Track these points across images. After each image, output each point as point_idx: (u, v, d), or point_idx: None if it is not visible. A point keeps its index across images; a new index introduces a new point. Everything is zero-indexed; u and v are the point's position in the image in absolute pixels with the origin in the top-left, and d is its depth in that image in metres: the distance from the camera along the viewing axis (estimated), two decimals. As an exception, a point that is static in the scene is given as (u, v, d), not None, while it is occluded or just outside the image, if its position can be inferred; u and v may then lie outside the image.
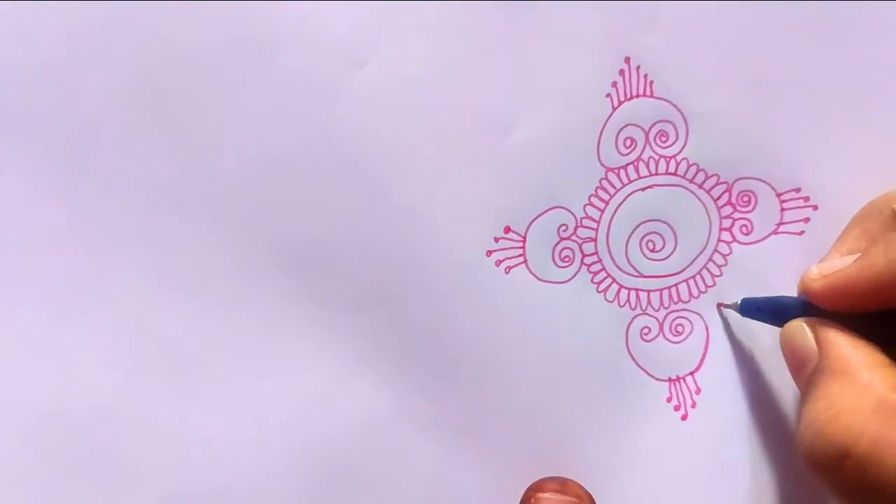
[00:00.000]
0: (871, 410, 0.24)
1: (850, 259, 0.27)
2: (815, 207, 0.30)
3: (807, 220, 0.31)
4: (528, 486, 0.30)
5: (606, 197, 0.30)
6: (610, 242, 0.30)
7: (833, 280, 0.27)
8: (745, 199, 0.31)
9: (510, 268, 0.30)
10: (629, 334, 0.31)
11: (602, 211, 0.30)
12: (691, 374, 0.31)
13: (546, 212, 0.30)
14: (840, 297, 0.27)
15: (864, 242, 0.28)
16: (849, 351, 0.26)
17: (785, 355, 0.28)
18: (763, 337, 0.31)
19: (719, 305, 0.31)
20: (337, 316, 0.30)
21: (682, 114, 0.30)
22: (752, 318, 0.30)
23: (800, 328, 0.27)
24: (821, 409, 0.25)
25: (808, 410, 0.25)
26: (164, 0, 0.27)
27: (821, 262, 0.29)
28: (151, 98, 0.28)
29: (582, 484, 0.30)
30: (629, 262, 0.31)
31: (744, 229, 0.31)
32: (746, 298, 0.30)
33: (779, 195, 0.30)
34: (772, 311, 0.29)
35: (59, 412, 0.29)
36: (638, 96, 0.30)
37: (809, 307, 0.28)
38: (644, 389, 0.31)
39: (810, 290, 0.27)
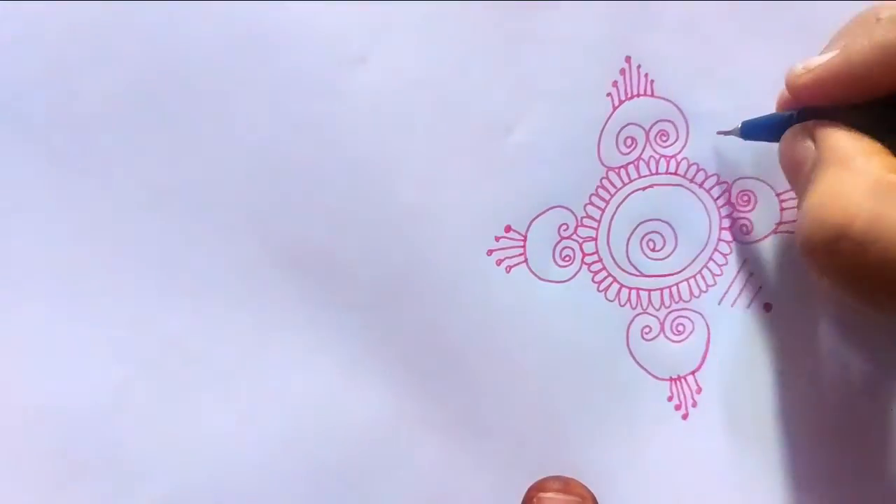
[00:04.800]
0: (867, 190, 0.23)
1: (833, 52, 0.26)
2: (815, 206, 0.31)
3: (807, 219, 0.31)
4: (530, 485, 0.30)
5: (607, 196, 0.30)
6: (610, 242, 0.30)
7: (818, 73, 0.26)
8: (745, 198, 0.31)
9: (511, 267, 0.30)
10: (630, 333, 0.31)
11: (602, 210, 0.30)
12: (692, 373, 0.31)
13: (546, 211, 0.30)
14: (828, 88, 0.26)
15: None
16: (845, 142, 0.25)
17: (783, 164, 0.27)
18: (764, 335, 0.31)
19: (719, 133, 0.30)
20: (337, 315, 0.29)
21: (682, 113, 0.30)
22: (754, 138, 0.29)
23: (796, 132, 0.27)
24: (816, 196, 0.24)
25: (805, 201, 0.25)
26: (164, 0, 0.27)
27: (804, 60, 0.27)
28: (151, 98, 0.28)
29: (584, 483, 0.30)
30: (630, 261, 0.31)
31: (744, 229, 0.31)
32: (746, 121, 0.29)
33: (778, 195, 0.31)
34: (771, 127, 0.28)
35: (60, 410, 0.28)
36: (638, 95, 0.30)
37: (807, 116, 0.27)
38: (645, 389, 0.31)
39: (797, 85, 0.27)
